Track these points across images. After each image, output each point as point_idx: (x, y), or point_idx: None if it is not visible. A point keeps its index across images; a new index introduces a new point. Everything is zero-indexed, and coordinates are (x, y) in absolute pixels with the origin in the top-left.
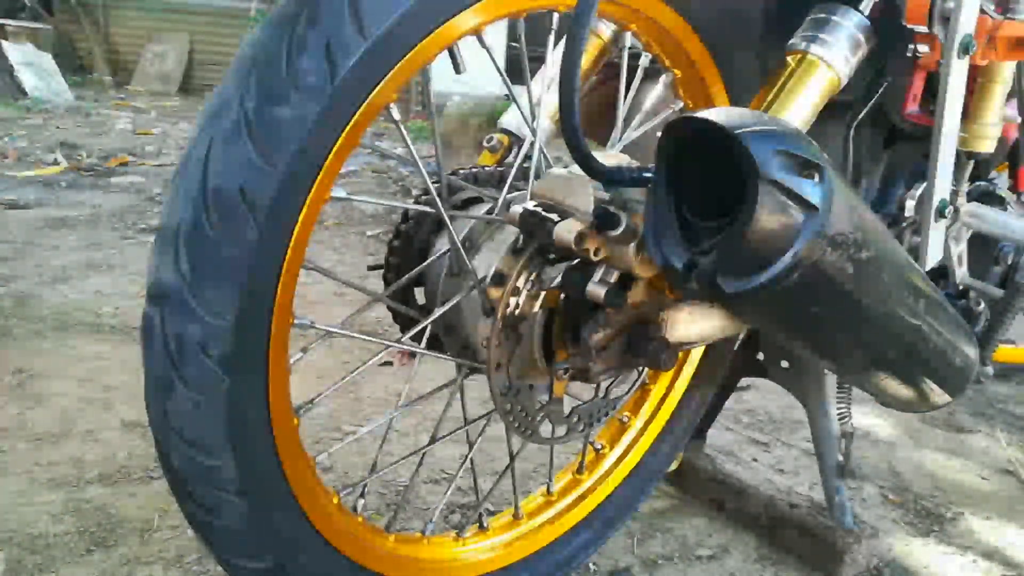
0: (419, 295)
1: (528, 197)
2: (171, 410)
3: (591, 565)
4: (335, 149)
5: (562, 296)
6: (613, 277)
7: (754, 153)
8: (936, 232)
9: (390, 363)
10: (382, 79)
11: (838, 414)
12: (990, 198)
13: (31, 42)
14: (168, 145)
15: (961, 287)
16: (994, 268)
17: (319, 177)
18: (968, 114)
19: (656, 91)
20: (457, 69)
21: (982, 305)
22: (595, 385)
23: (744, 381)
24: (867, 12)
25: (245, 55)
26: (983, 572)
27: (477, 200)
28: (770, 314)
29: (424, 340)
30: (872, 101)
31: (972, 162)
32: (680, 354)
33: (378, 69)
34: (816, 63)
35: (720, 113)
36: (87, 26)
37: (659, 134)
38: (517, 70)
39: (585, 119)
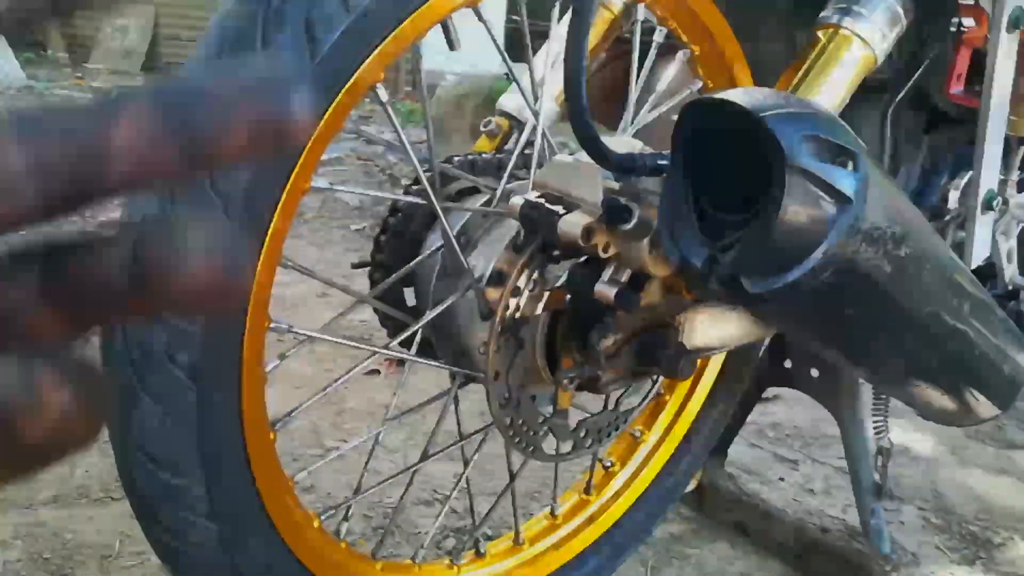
0: (409, 296)
1: (530, 187)
2: (134, 424)
3: None
4: (315, 134)
5: (568, 297)
6: (624, 276)
7: (781, 138)
8: (983, 226)
9: (377, 371)
10: (367, 57)
11: (874, 428)
12: None
13: None
14: None
15: (1011, 287)
16: None
17: (298, 165)
18: (1018, 95)
19: (672, 70)
20: (451, 45)
21: None
22: (604, 396)
23: (770, 392)
24: None
25: (216, 30)
26: None
27: (473, 191)
28: (798, 317)
29: (414, 346)
30: (912, 81)
31: (1023, 148)
32: (699, 362)
33: (363, 45)
34: (850, 39)
35: (743, 94)
36: None
37: (675, 117)
38: (518, 46)
39: (593, 101)
